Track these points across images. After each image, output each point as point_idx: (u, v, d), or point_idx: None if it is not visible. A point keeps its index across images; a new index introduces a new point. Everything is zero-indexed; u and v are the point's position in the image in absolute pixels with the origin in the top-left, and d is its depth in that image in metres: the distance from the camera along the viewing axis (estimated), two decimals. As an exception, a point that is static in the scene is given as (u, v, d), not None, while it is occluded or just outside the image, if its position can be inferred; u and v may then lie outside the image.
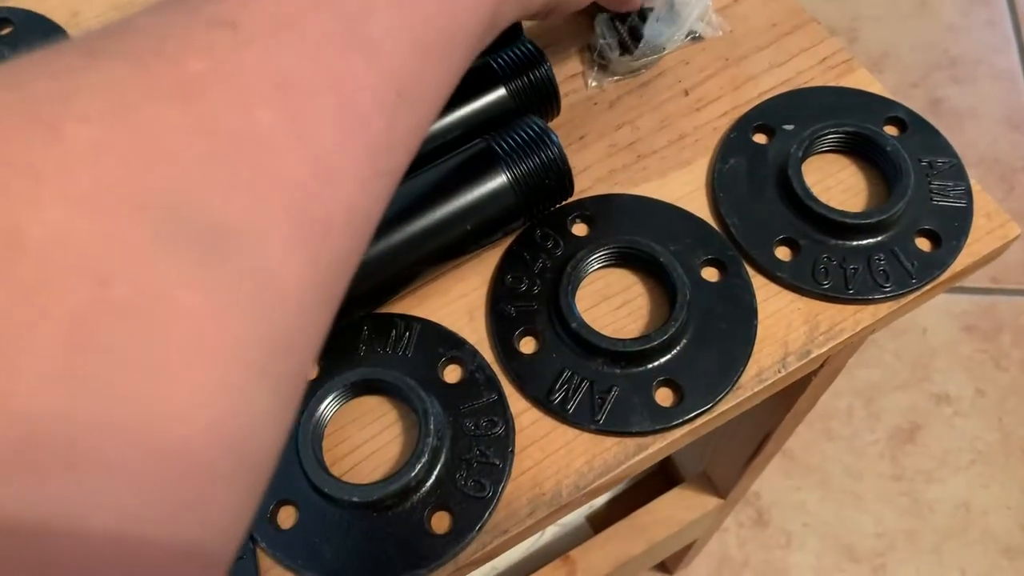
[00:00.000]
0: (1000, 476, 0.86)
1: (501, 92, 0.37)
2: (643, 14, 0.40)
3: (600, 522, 0.86)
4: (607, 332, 0.34)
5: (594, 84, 0.41)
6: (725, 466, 0.68)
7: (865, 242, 0.36)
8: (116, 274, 0.15)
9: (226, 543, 0.17)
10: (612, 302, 0.36)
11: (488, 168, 0.35)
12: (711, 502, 0.71)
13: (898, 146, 0.37)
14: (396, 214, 0.34)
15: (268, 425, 0.18)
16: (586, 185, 0.38)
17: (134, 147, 0.16)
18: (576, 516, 0.89)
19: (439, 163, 0.35)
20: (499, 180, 0.35)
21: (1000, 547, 0.84)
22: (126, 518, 0.15)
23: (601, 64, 0.41)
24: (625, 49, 0.40)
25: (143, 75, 0.17)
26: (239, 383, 0.16)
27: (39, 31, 0.43)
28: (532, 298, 0.36)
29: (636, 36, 0.40)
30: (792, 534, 0.87)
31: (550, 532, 0.85)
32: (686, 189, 0.38)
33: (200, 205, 0.16)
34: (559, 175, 0.35)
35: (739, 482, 0.66)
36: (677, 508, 0.71)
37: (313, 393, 0.33)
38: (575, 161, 0.39)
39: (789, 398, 0.49)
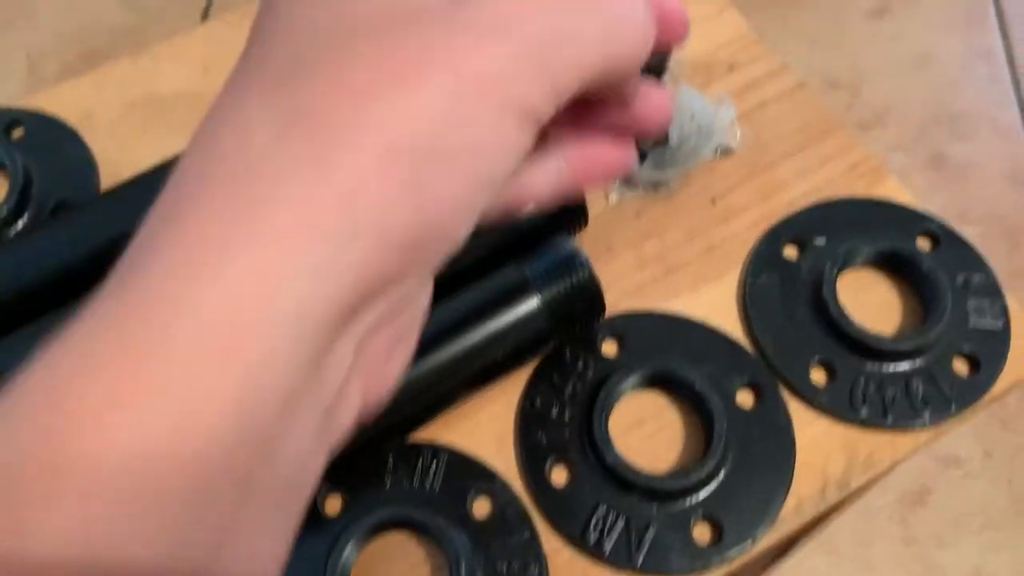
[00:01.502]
0: (1011, 541, 0.85)
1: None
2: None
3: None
4: (641, 462, 0.33)
5: (615, 197, 0.40)
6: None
7: (902, 367, 0.35)
8: None
9: None
10: (645, 428, 0.35)
11: (518, 294, 0.34)
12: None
13: (934, 265, 0.36)
14: (424, 343, 0.33)
15: None
16: (615, 299, 0.38)
17: None
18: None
19: (467, 290, 0.34)
20: (530, 306, 0.34)
21: (1012, 611, 0.83)
22: None
23: (624, 177, 0.40)
24: (646, 160, 0.39)
25: None
26: None
27: (52, 134, 0.42)
28: (563, 425, 0.35)
29: (660, 149, 0.39)
30: (802, 599, 0.85)
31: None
32: (717, 305, 0.37)
33: None
34: (590, 299, 0.34)
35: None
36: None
37: (339, 532, 0.32)
38: (602, 274, 0.38)
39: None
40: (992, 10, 1.12)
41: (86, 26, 1.13)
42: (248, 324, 0.16)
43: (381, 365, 0.22)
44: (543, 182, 0.23)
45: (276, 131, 0.18)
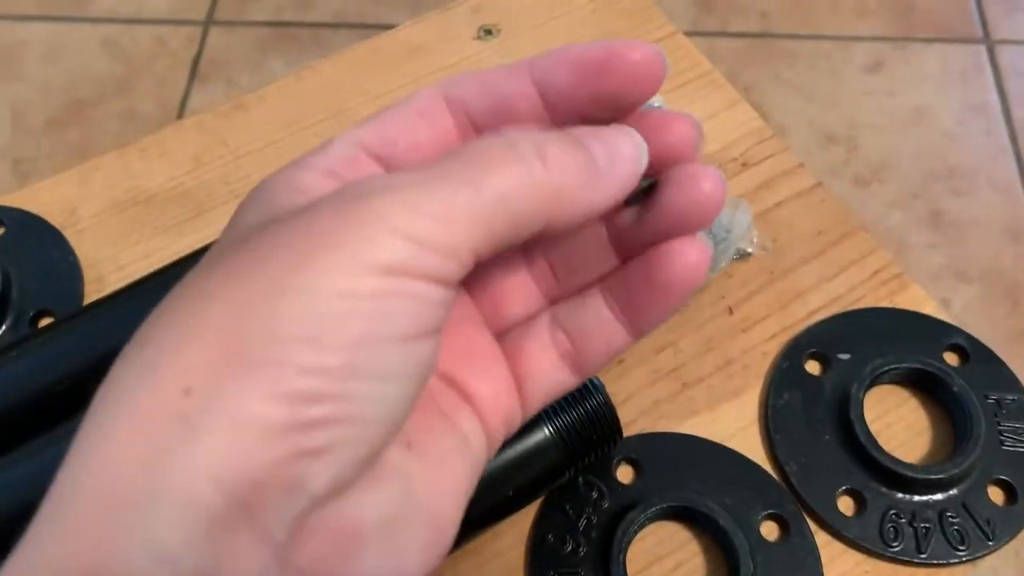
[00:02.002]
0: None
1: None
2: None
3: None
4: (661, 604, 0.31)
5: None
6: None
7: (936, 497, 0.33)
8: None
9: None
10: (665, 563, 0.33)
11: (528, 424, 0.32)
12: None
13: (966, 386, 0.35)
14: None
15: None
16: (630, 418, 0.36)
17: None
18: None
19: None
20: (540, 436, 0.32)
21: None
22: None
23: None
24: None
25: None
26: None
27: (33, 233, 0.40)
28: (577, 562, 0.32)
29: None
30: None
31: None
32: (738, 425, 0.35)
33: None
34: (607, 427, 0.32)
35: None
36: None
37: None
38: (615, 389, 0.36)
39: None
40: (988, 65, 1.12)
41: (72, 76, 1.11)
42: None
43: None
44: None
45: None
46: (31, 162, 1.01)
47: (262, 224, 0.19)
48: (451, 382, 0.22)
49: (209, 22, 1.15)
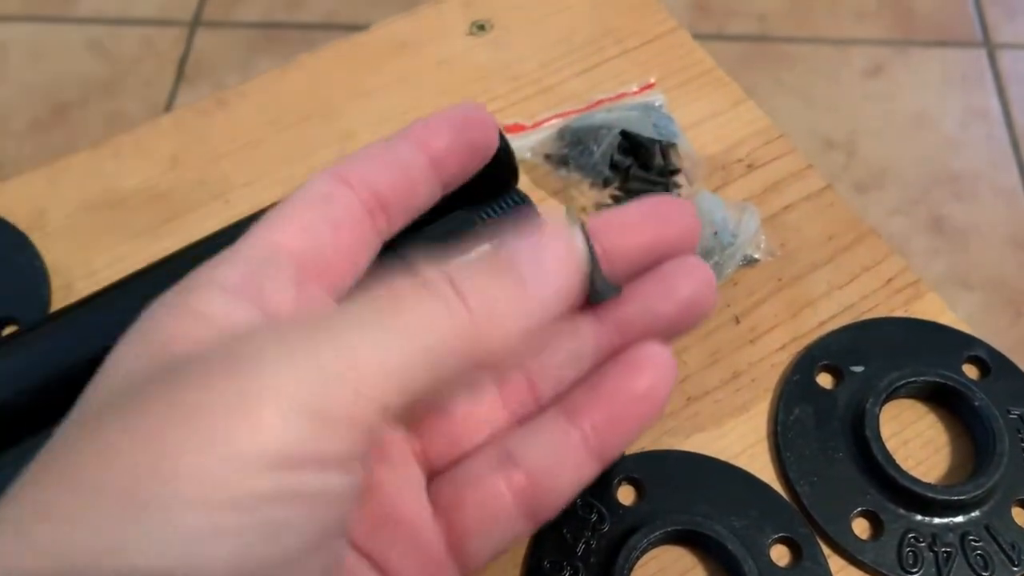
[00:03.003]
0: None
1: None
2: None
3: None
4: (665, 635, 0.29)
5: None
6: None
7: (957, 519, 0.31)
8: None
9: None
10: (668, 591, 0.31)
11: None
12: None
13: (987, 401, 0.33)
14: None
15: None
16: (630, 434, 0.33)
17: None
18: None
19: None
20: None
21: None
22: None
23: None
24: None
25: None
26: None
27: (-2, 237, 0.38)
28: (575, 590, 0.30)
29: None
30: None
31: None
32: (746, 443, 0.33)
33: None
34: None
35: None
36: None
37: None
38: (615, 403, 0.34)
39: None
40: (988, 70, 1.11)
41: (56, 77, 1.09)
42: None
43: None
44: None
45: None
46: (12, 165, 0.99)
47: (148, 374, 0.16)
48: (369, 557, 0.19)
49: (196, 23, 1.13)
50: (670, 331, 0.21)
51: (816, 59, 1.11)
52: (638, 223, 0.21)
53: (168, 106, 1.02)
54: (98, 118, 1.03)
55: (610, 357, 0.21)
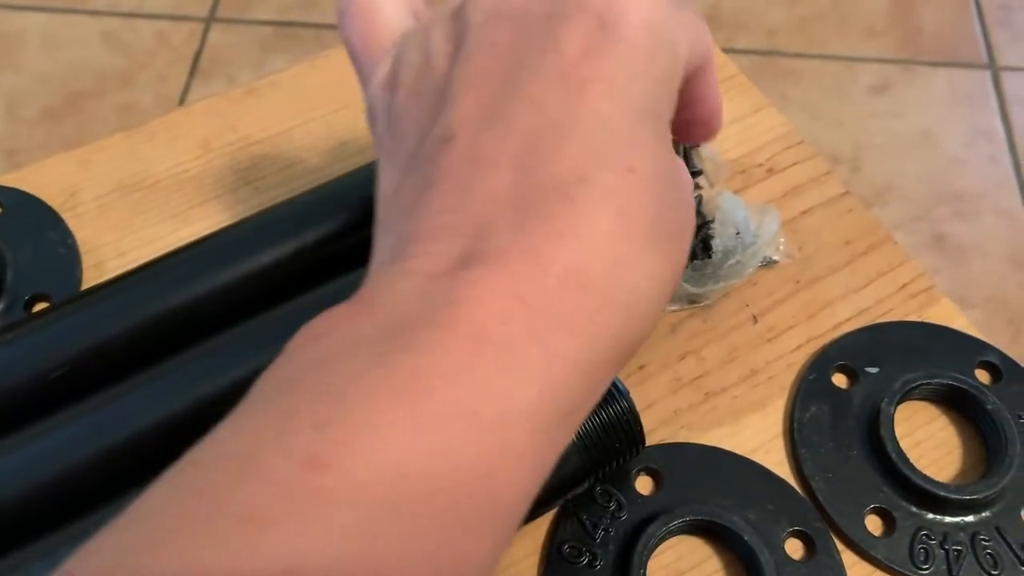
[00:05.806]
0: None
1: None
2: (707, 238, 0.36)
3: None
4: (682, 622, 0.30)
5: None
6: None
7: (968, 518, 0.32)
8: None
9: None
10: (685, 580, 0.31)
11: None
12: None
13: (1000, 405, 0.33)
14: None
15: None
16: (650, 426, 0.34)
17: None
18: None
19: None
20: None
21: None
22: None
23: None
24: (686, 273, 0.36)
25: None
26: None
27: (31, 214, 0.39)
28: (594, 575, 0.31)
29: (707, 248, 0.36)
30: None
31: None
32: (762, 438, 0.34)
33: None
34: (630, 436, 0.31)
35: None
36: None
37: None
38: (636, 396, 0.34)
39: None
40: (993, 92, 1.12)
41: (70, 68, 1.09)
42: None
43: None
44: None
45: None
46: (25, 152, 0.99)
47: None
48: None
49: (211, 19, 1.14)
50: None
51: (823, 75, 1.12)
52: None
53: (182, 100, 1.03)
54: (111, 109, 1.04)
55: None
